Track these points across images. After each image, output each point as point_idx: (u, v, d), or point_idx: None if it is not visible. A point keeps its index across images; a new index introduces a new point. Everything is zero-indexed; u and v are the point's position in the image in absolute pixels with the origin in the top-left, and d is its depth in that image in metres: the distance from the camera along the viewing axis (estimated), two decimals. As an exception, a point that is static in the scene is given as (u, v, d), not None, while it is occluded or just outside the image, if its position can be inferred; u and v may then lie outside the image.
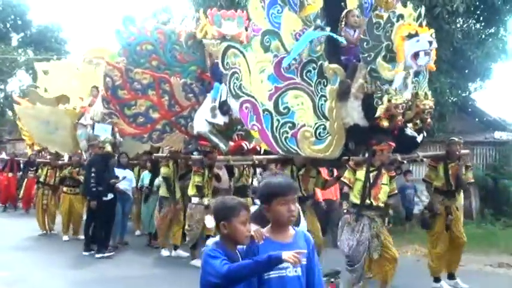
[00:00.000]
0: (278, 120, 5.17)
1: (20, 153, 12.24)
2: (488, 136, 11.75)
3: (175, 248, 7.51)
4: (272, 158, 5.84)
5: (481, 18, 10.78)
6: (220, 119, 6.50)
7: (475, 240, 7.58)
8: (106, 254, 7.28)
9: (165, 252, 7.48)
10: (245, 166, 7.65)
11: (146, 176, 8.39)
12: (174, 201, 7.41)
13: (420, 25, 5.01)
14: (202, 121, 6.69)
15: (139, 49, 6.93)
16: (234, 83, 5.21)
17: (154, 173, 8.16)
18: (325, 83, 5.20)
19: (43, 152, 11.13)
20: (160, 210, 7.48)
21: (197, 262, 6.56)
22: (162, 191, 7.46)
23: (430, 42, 4.88)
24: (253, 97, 5.19)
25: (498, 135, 12.54)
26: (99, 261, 7.10)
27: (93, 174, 7.24)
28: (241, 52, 5.23)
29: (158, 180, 7.89)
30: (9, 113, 25.18)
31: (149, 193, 8.22)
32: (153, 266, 6.94)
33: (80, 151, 9.32)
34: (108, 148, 8.81)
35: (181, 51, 7.12)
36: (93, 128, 9.10)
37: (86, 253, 7.45)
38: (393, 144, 4.88)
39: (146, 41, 6.97)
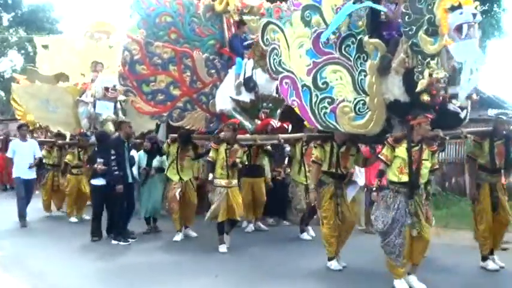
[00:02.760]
0: (317, 95, 5.08)
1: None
2: (482, 113, 11.85)
3: (186, 227, 7.14)
4: (313, 136, 5.69)
5: (475, -5, 10.74)
6: (246, 96, 6.29)
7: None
8: (122, 243, 6.75)
9: (177, 237, 6.94)
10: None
11: (142, 156, 7.63)
12: (181, 183, 6.89)
13: (463, -3, 4.90)
14: (225, 98, 6.46)
15: (159, 21, 6.56)
16: (274, 59, 5.17)
17: (152, 154, 7.53)
18: (365, 58, 5.06)
19: (38, 132, 10.66)
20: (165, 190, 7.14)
21: (223, 247, 6.16)
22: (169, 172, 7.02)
23: (474, 15, 4.75)
24: (292, 72, 5.12)
25: (492, 112, 12.72)
26: (103, 246, 6.64)
27: (113, 157, 6.65)
28: (280, 28, 5.14)
29: (156, 161, 7.46)
30: (1, 93, 24.29)
31: (147, 175, 7.49)
32: (162, 252, 6.42)
33: (83, 131, 8.92)
34: (110, 127, 8.48)
35: (199, 24, 6.82)
36: (94, 106, 8.75)
37: (96, 238, 6.96)
38: (430, 116, 4.76)
39: (165, 13, 6.61)
